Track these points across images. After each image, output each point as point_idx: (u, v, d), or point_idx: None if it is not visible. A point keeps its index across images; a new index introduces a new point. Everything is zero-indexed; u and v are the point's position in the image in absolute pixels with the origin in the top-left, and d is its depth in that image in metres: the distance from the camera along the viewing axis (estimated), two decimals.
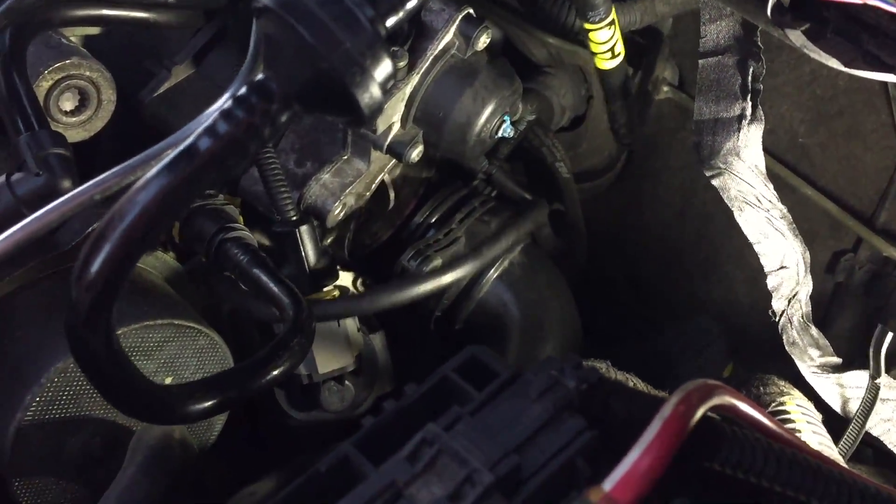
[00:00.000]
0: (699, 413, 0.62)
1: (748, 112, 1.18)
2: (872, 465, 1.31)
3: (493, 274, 1.24)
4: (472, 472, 0.58)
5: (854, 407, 1.26)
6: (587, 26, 1.19)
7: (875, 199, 1.26)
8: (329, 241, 1.21)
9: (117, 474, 0.83)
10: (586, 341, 1.32)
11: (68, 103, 1.07)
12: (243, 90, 0.63)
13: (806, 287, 1.24)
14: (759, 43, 1.16)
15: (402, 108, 1.12)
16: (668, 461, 0.58)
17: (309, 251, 1.10)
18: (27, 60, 1.03)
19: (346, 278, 1.17)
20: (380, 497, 0.58)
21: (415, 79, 1.10)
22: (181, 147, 0.63)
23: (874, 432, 1.27)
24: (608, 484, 0.56)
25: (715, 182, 1.20)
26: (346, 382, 1.13)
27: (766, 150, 1.21)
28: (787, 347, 1.24)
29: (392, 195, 1.25)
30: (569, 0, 1.26)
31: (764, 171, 1.20)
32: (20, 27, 1.03)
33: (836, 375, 1.25)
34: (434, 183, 1.32)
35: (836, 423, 1.25)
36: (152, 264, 1.05)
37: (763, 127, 1.19)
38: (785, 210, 1.21)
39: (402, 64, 1.07)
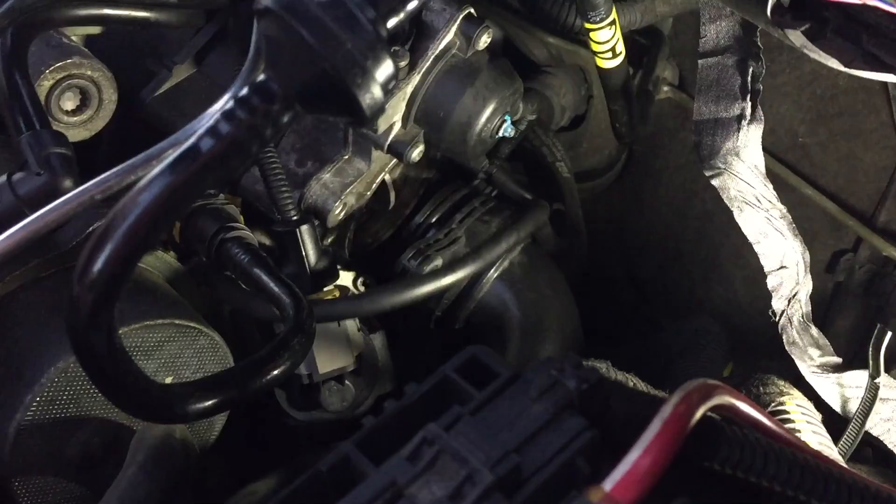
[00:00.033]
0: (699, 413, 0.62)
1: (748, 112, 1.18)
2: (872, 465, 1.31)
3: (493, 274, 1.24)
4: (473, 472, 0.58)
5: (854, 407, 1.26)
6: (588, 26, 1.19)
7: (875, 198, 1.27)
8: (330, 240, 1.21)
9: (118, 474, 0.83)
10: (586, 341, 1.32)
11: (70, 103, 1.08)
12: (245, 91, 0.63)
13: (806, 287, 1.24)
14: (759, 43, 1.16)
15: (403, 107, 1.12)
16: (668, 461, 0.58)
17: (309, 251, 1.10)
18: (29, 60, 1.03)
19: (346, 278, 1.17)
20: (380, 497, 0.58)
21: (416, 78, 1.10)
22: (183, 147, 0.63)
23: (874, 432, 1.27)
24: (608, 484, 0.56)
25: (715, 182, 1.20)
26: (347, 382, 1.13)
27: (766, 149, 1.20)
28: (787, 347, 1.24)
29: (393, 195, 1.25)
30: (569, 0, 1.27)
31: (763, 170, 1.20)
32: (22, 27, 1.03)
33: (836, 375, 1.25)
34: (434, 183, 1.32)
35: (836, 422, 1.25)
36: (153, 264, 1.05)
37: (763, 127, 1.19)
38: (785, 210, 1.21)
39: (403, 64, 1.07)
